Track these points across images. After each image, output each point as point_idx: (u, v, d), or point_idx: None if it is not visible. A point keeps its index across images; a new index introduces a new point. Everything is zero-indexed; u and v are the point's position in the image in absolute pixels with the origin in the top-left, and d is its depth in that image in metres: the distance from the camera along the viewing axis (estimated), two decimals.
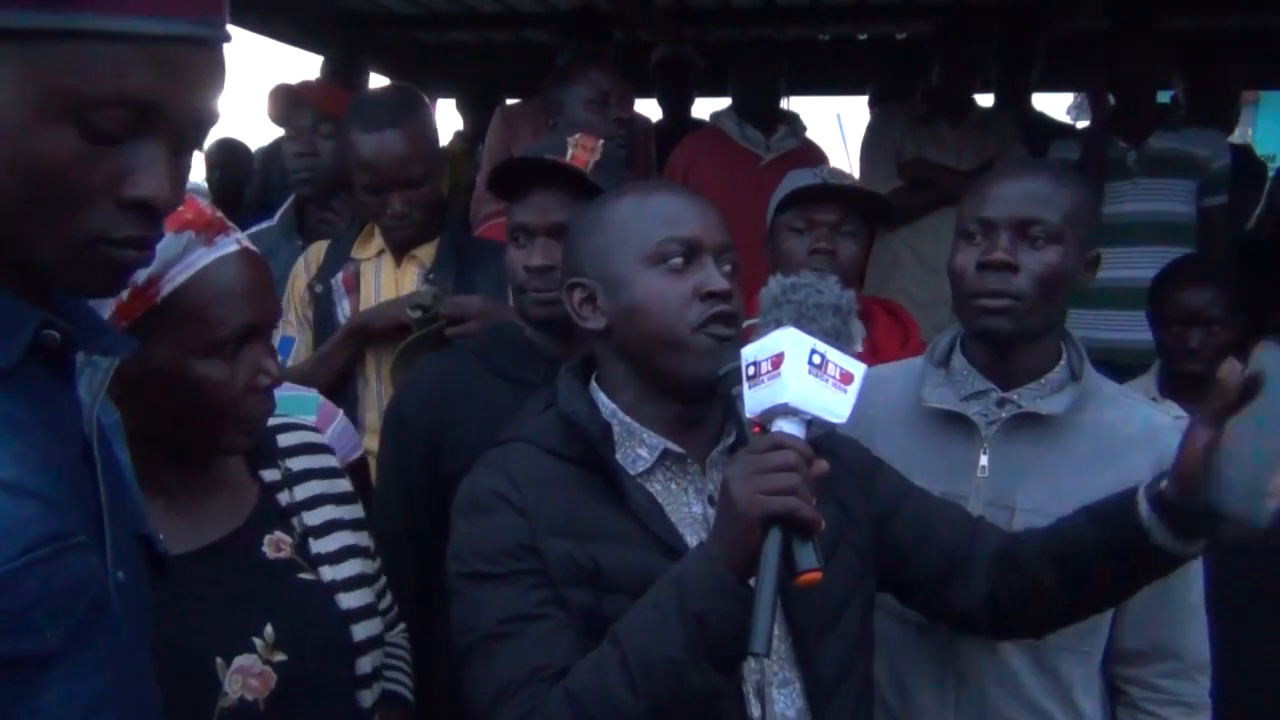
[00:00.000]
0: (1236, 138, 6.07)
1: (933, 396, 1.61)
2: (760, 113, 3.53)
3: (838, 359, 1.12)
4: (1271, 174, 4.25)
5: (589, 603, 1.19)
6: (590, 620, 1.18)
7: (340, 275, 2.27)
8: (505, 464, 1.29)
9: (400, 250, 2.26)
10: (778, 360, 1.10)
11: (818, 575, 1.06)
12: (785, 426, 1.11)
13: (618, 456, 1.29)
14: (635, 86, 2.95)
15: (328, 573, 1.32)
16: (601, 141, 1.83)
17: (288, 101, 2.80)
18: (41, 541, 0.75)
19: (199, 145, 0.85)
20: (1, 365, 0.77)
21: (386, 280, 2.26)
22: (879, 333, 2.18)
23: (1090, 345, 3.30)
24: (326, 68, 4.06)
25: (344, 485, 1.43)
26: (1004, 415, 1.58)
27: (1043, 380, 1.59)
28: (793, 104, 5.00)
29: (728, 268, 1.29)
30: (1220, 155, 3.24)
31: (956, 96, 3.56)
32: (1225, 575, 1.68)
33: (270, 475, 1.36)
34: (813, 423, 1.12)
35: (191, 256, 1.19)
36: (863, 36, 5.44)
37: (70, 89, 0.74)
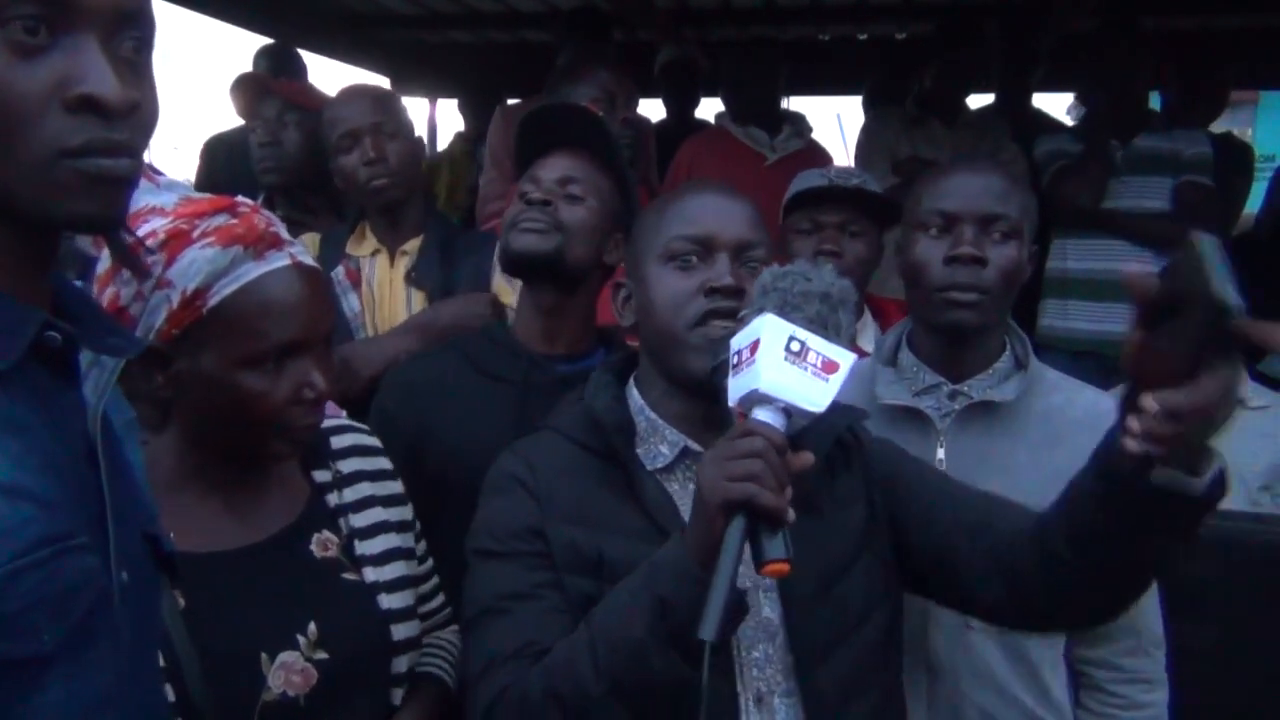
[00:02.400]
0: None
1: (887, 394, 1.63)
2: (761, 114, 3.54)
3: (820, 346, 1.10)
4: (1270, 173, 4.24)
5: (589, 591, 1.20)
6: (589, 607, 1.19)
7: (341, 270, 2.27)
8: (528, 450, 1.34)
9: (383, 213, 2.27)
10: (754, 347, 1.09)
11: (784, 568, 1.04)
12: (762, 415, 1.09)
13: (640, 452, 1.31)
14: (637, 87, 2.95)
15: (371, 574, 1.36)
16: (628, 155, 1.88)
17: (254, 91, 2.79)
18: (39, 544, 0.75)
19: (141, 42, 0.80)
20: (2, 366, 0.76)
21: (381, 278, 2.27)
22: None
23: (1073, 337, 3.34)
24: (262, 61, 3.96)
25: (394, 487, 1.46)
26: (956, 407, 1.61)
27: (990, 370, 1.63)
28: (793, 104, 5.00)
29: (752, 265, 1.30)
30: (1195, 145, 3.26)
31: (949, 100, 3.58)
32: (1222, 573, 1.70)
33: (321, 476, 1.40)
34: (792, 412, 1.10)
35: (240, 270, 1.22)
36: (862, 36, 5.45)
37: None
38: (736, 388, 1.11)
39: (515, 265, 1.77)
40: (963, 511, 1.31)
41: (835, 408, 1.34)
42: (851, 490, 1.34)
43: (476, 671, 1.22)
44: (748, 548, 1.06)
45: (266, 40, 4.27)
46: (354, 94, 2.34)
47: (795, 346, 1.09)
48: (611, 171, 1.80)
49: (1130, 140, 3.27)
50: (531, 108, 1.87)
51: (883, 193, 2.27)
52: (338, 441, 1.43)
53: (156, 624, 0.96)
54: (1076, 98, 3.84)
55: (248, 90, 2.81)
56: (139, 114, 0.78)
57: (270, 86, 2.80)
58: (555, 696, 1.12)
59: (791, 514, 1.06)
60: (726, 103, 3.68)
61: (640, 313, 1.35)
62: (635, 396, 1.36)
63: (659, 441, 1.32)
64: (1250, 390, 2.50)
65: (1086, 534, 1.15)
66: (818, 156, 3.47)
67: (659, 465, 1.30)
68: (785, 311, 1.11)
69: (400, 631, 1.36)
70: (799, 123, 3.59)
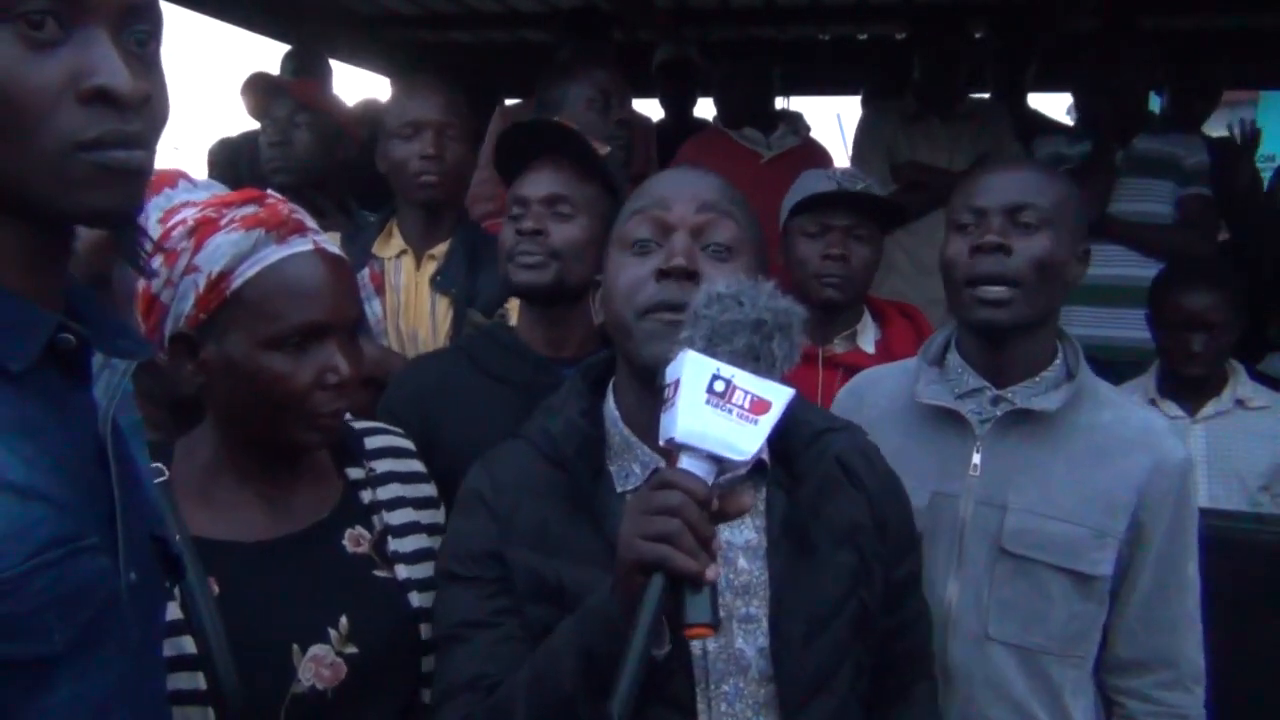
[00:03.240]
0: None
1: (926, 393, 1.61)
2: (753, 116, 3.54)
3: (748, 384, 0.99)
4: (1270, 173, 4.23)
5: (549, 618, 1.15)
6: (548, 635, 1.14)
7: (366, 272, 2.26)
8: (495, 464, 1.28)
9: (421, 210, 2.27)
10: (676, 386, 1.00)
11: (708, 632, 0.97)
12: (686, 461, 0.99)
13: (612, 469, 1.23)
14: (636, 86, 2.95)
15: (402, 571, 1.36)
16: (608, 149, 1.86)
17: (264, 91, 2.79)
18: (51, 544, 0.75)
19: (150, 35, 0.81)
20: (16, 368, 0.77)
21: (407, 280, 2.27)
22: (893, 335, 2.20)
23: None
24: (289, 63, 3.99)
25: (426, 490, 1.47)
26: (998, 413, 1.58)
27: (1037, 378, 1.59)
28: (792, 104, 5.00)
29: (713, 247, 1.20)
30: (1195, 153, 3.26)
31: (940, 90, 3.54)
32: (1222, 573, 1.69)
33: (355, 473, 1.41)
34: (722, 460, 1.00)
35: (262, 253, 1.24)
36: (862, 36, 5.44)
37: None
38: (661, 429, 1.02)
39: (518, 295, 1.81)
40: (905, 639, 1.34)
41: (833, 423, 1.31)
42: (852, 515, 1.25)
43: (439, 697, 1.21)
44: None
45: (263, 39, 4.27)
46: (431, 88, 2.32)
47: (719, 387, 0.99)
48: (597, 175, 1.78)
49: (1130, 142, 3.26)
50: (504, 128, 1.87)
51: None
52: (372, 442, 1.45)
53: (162, 625, 0.96)
54: (1075, 101, 3.82)
55: (258, 90, 2.82)
56: (151, 106, 0.79)
57: (284, 86, 2.81)
58: None
59: (713, 573, 0.96)
60: (718, 107, 3.69)
61: (603, 305, 1.27)
62: (610, 406, 1.27)
63: (632, 460, 1.23)
64: (1250, 390, 2.51)
65: None
66: (814, 153, 3.47)
67: (630, 486, 1.21)
68: (712, 344, 1.01)
69: (429, 630, 1.35)
70: (795, 121, 3.60)
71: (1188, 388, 2.51)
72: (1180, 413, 2.48)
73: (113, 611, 0.81)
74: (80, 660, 0.78)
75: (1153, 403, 2.49)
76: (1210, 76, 3.80)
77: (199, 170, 3.84)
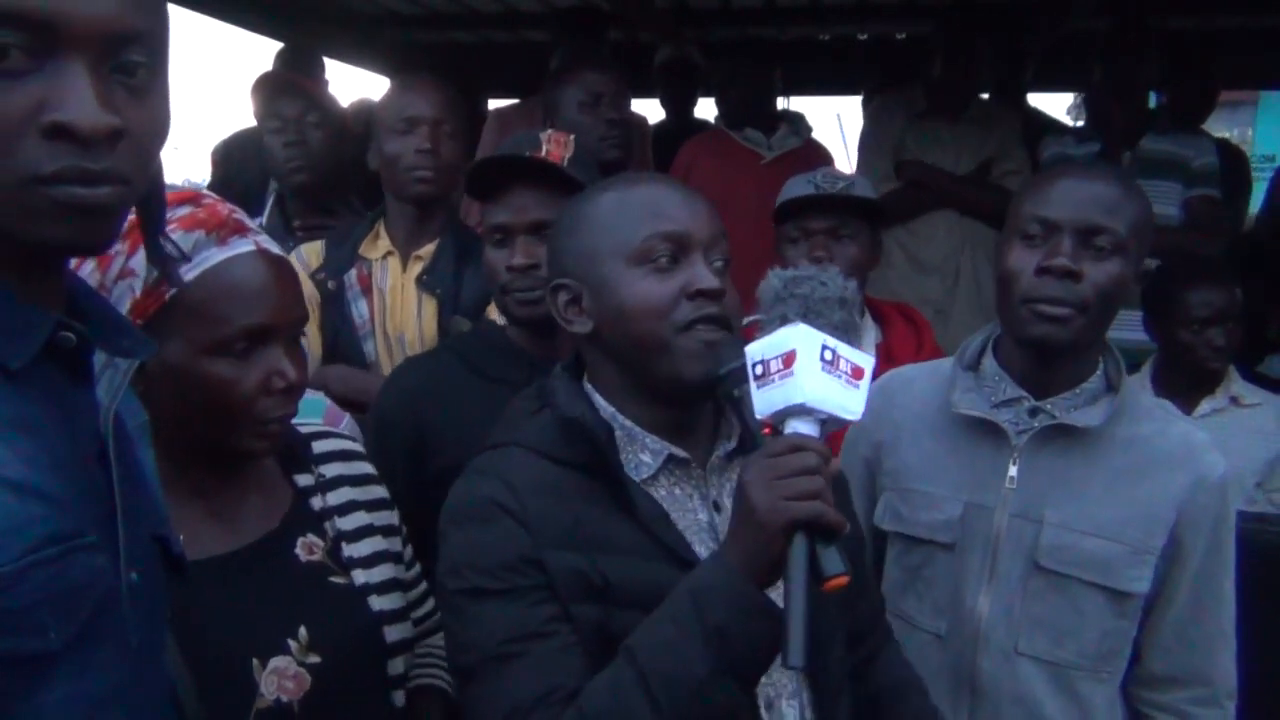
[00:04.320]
0: (1235, 137, 6.07)
1: (963, 402, 1.57)
2: (755, 116, 3.54)
3: (848, 354, 1.08)
4: (1270, 173, 4.24)
5: (597, 618, 1.14)
6: (599, 635, 1.14)
7: (354, 273, 2.26)
8: (502, 470, 1.22)
9: (415, 205, 2.26)
10: (790, 358, 1.06)
11: (844, 580, 1.02)
12: (800, 427, 1.07)
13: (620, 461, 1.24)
14: (637, 86, 2.96)
15: (360, 576, 1.34)
16: (573, 137, 1.83)
17: (274, 90, 2.80)
18: (47, 542, 0.75)
19: (143, 62, 0.78)
20: (14, 366, 0.77)
21: (393, 282, 2.26)
22: (894, 338, 2.18)
23: None
24: (280, 60, 3.97)
25: (378, 491, 1.44)
26: (1036, 425, 1.54)
27: (1077, 390, 1.54)
28: (792, 104, 5.00)
29: (718, 263, 1.24)
30: (1203, 154, 3.25)
31: (957, 91, 3.44)
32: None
33: (304, 480, 1.37)
34: (827, 422, 1.08)
35: (202, 255, 1.19)
36: (863, 36, 5.45)
37: None
38: (771, 401, 1.08)
39: (516, 326, 1.80)
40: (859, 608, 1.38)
41: None
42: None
43: None
44: None
45: (262, 39, 4.27)
46: (429, 85, 2.31)
47: (829, 355, 1.07)
48: (572, 187, 1.73)
49: (1137, 142, 3.23)
50: (470, 166, 1.86)
51: (878, 194, 2.28)
52: (320, 446, 1.41)
53: (165, 626, 0.96)
54: (1083, 101, 3.80)
55: (271, 89, 2.82)
56: (129, 140, 0.77)
57: (299, 85, 2.82)
58: None
59: (848, 525, 1.03)
60: (719, 108, 3.69)
61: (607, 318, 1.23)
62: (601, 403, 1.27)
63: (639, 450, 1.24)
64: (1243, 388, 2.53)
65: None
66: (815, 154, 3.46)
67: (643, 475, 1.23)
68: (810, 319, 1.08)
69: (393, 633, 1.34)
70: (796, 122, 3.58)
71: (1192, 386, 2.52)
72: (1179, 413, 2.49)
73: (112, 611, 0.81)
74: (78, 658, 0.78)
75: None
76: (1210, 76, 3.80)
77: (201, 170, 3.85)
